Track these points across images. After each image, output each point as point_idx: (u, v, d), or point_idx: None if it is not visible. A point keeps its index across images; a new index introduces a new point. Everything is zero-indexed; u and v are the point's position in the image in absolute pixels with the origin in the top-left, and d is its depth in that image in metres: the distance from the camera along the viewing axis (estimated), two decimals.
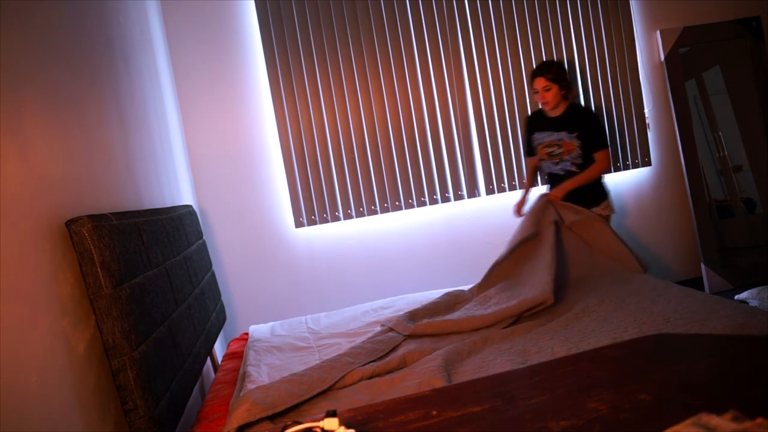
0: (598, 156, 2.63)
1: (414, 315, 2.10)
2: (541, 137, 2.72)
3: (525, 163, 3.06)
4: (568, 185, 2.60)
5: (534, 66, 3.31)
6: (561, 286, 2.18)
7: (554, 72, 2.61)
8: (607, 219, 2.71)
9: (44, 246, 1.18)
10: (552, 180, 2.77)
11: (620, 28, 3.40)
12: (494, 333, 1.80)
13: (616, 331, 1.62)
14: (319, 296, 3.19)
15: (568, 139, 2.64)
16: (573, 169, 2.66)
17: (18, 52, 1.22)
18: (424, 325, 1.98)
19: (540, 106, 2.77)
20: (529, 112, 3.11)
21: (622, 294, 1.96)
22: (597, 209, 2.66)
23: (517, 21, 3.30)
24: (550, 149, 2.69)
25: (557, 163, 2.71)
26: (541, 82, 2.62)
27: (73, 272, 1.28)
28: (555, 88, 2.61)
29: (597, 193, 2.72)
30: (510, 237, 2.55)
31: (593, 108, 3.35)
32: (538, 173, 3.03)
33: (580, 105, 3.08)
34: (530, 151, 2.86)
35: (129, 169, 1.90)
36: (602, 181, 2.75)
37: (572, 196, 2.59)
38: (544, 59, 3.32)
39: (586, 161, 2.65)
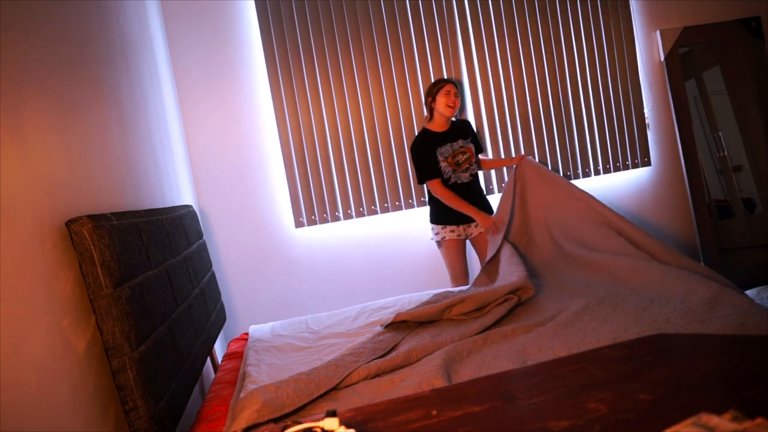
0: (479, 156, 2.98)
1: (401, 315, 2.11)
2: (445, 150, 2.80)
3: (434, 189, 2.79)
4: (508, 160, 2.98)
5: (534, 66, 3.32)
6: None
7: (459, 86, 2.88)
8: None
9: (44, 246, 1.18)
10: (459, 190, 2.81)
11: (620, 28, 3.40)
12: (494, 333, 1.80)
13: (616, 331, 1.62)
14: (319, 296, 3.19)
15: (467, 144, 2.83)
16: (475, 171, 2.88)
17: (18, 52, 1.22)
18: (405, 313, 2.02)
19: (426, 126, 2.87)
20: (412, 140, 3.04)
21: (622, 294, 1.96)
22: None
23: (517, 21, 3.30)
24: (457, 158, 2.80)
25: (466, 170, 2.82)
26: (453, 87, 2.78)
27: (73, 272, 1.28)
28: (459, 99, 2.82)
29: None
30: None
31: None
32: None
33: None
34: (433, 172, 2.79)
35: (129, 169, 1.90)
36: None
37: (484, 208, 2.83)
38: (545, 59, 3.33)
39: (477, 163, 2.93)
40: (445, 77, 3.14)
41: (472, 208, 2.74)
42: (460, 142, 2.81)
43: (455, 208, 2.76)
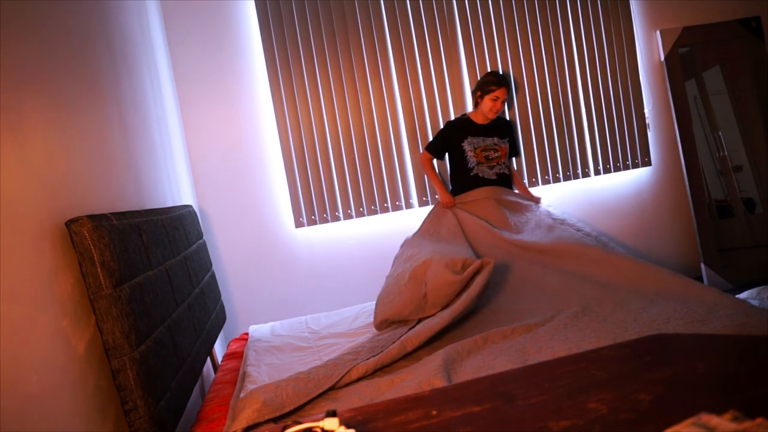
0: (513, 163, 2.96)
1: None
2: (476, 141, 2.81)
3: (421, 159, 2.95)
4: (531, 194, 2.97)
5: (534, 65, 3.32)
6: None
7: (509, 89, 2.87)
8: None
9: (44, 246, 1.18)
10: (476, 183, 2.81)
11: (620, 28, 3.40)
12: (494, 333, 1.80)
13: (616, 331, 1.62)
14: (319, 296, 3.19)
15: (503, 143, 2.83)
16: (506, 172, 2.86)
17: (18, 51, 1.22)
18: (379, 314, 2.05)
19: (465, 114, 2.92)
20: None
21: (622, 294, 1.96)
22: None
23: (517, 21, 3.30)
24: (487, 153, 2.80)
25: (493, 167, 2.82)
26: (504, 93, 2.76)
27: (73, 272, 1.28)
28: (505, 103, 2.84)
29: None
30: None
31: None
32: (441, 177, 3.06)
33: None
34: (440, 152, 2.91)
35: (129, 169, 1.90)
36: None
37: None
38: (545, 59, 3.33)
39: (509, 166, 2.93)
40: (500, 74, 2.88)
41: (439, 183, 2.85)
42: (495, 140, 2.84)
43: (427, 179, 2.97)
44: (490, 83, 2.77)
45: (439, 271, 2.00)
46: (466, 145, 2.81)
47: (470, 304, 1.90)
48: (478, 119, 2.86)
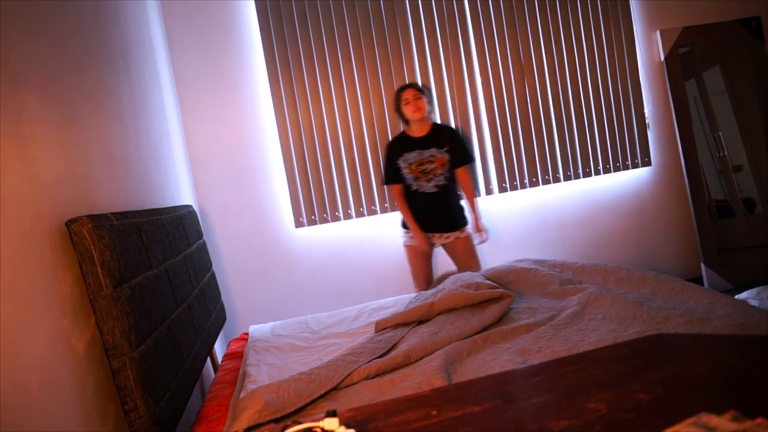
0: (464, 171, 2.81)
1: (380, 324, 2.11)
2: (411, 156, 2.76)
3: (388, 192, 3.00)
4: (477, 213, 2.83)
5: (534, 65, 3.32)
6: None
7: (421, 87, 2.76)
8: (469, 239, 2.86)
9: (44, 246, 1.18)
10: (418, 200, 2.80)
11: (620, 28, 3.40)
12: (494, 333, 1.80)
13: (616, 331, 1.62)
14: (319, 296, 3.19)
15: (440, 154, 2.75)
16: (447, 183, 2.79)
17: (18, 52, 1.22)
18: (383, 321, 2.04)
19: (402, 130, 2.86)
20: (391, 138, 3.05)
21: (622, 290, 1.97)
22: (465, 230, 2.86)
23: (517, 21, 3.30)
24: (423, 166, 2.75)
25: (431, 180, 2.77)
26: (411, 93, 2.72)
27: (73, 272, 1.28)
28: (424, 99, 2.73)
29: (463, 215, 2.91)
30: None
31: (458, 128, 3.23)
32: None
33: (443, 123, 3.09)
34: (394, 177, 2.82)
35: (129, 169, 1.90)
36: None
37: (449, 220, 2.83)
38: (545, 59, 3.33)
39: (452, 175, 2.81)
40: (406, 83, 2.96)
41: (413, 224, 2.80)
42: (433, 151, 2.74)
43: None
44: (397, 92, 2.78)
45: (452, 288, 2.08)
46: (401, 163, 2.77)
47: (480, 330, 1.88)
48: (413, 132, 2.79)
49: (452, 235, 2.83)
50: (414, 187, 2.78)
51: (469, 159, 2.83)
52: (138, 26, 2.41)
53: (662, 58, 3.45)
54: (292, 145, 3.11)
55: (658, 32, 3.44)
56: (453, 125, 3.22)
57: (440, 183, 2.77)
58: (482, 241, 2.84)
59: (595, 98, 3.40)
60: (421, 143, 2.76)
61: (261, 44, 3.09)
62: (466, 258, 2.84)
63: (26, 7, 1.31)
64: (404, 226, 2.91)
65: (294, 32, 3.09)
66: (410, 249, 2.89)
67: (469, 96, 3.27)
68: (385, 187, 3.13)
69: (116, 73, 1.96)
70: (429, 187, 2.77)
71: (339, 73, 3.14)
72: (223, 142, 3.11)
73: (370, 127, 3.17)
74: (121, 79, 2.00)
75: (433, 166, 2.75)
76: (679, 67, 3.43)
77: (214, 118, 3.09)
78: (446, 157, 2.75)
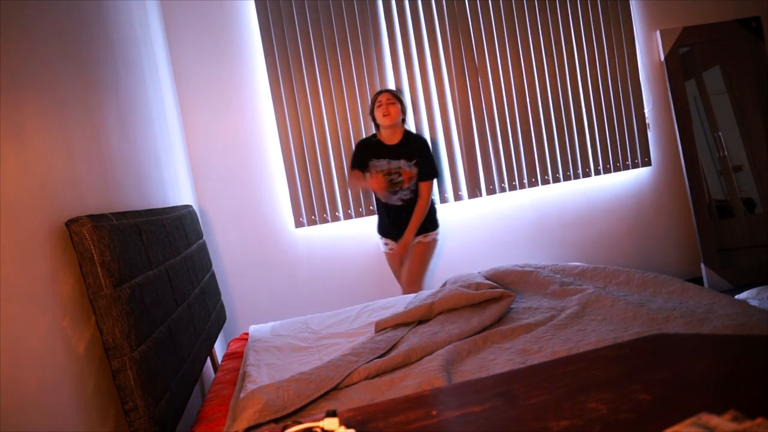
0: (427, 185, 2.77)
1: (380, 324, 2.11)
2: (380, 164, 2.76)
3: (349, 176, 2.99)
4: (412, 228, 2.77)
5: (534, 66, 3.32)
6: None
7: (396, 93, 2.75)
8: (429, 246, 2.86)
9: (44, 246, 1.18)
10: (383, 209, 2.82)
11: (620, 28, 3.40)
12: (494, 333, 1.80)
13: (616, 331, 1.62)
14: (319, 296, 3.19)
15: (408, 167, 2.72)
16: (412, 197, 2.76)
17: (18, 52, 1.22)
18: (383, 321, 2.03)
19: (374, 132, 2.86)
20: (365, 137, 3.06)
21: (622, 293, 1.97)
22: (431, 234, 2.85)
23: (517, 21, 3.30)
24: (391, 177, 2.74)
25: (396, 192, 2.76)
26: (385, 97, 2.71)
27: (73, 272, 1.28)
28: (398, 106, 2.71)
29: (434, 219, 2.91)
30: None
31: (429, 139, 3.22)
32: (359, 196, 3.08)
33: (415, 133, 3.05)
34: (359, 166, 2.83)
35: (129, 169, 1.90)
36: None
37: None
38: (545, 59, 3.33)
39: (418, 188, 2.78)
40: (379, 89, 3.02)
41: (364, 184, 2.79)
42: (402, 162, 2.73)
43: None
44: (374, 95, 2.79)
45: (452, 288, 2.09)
46: (371, 169, 2.78)
47: (480, 330, 1.88)
48: (384, 139, 2.79)
49: (417, 238, 2.85)
50: (378, 195, 2.81)
51: (433, 175, 2.79)
52: (138, 26, 2.41)
53: (662, 58, 3.45)
54: (292, 145, 3.11)
55: (658, 32, 3.44)
56: (425, 136, 3.16)
57: (405, 197, 2.77)
58: (401, 260, 2.86)
59: (595, 98, 3.40)
60: (390, 152, 2.76)
61: (261, 44, 3.09)
62: (414, 261, 2.84)
63: (26, 7, 1.31)
64: (379, 232, 2.97)
65: (294, 32, 3.09)
66: (385, 255, 2.99)
67: (469, 95, 3.27)
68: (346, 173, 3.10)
69: (116, 74, 1.96)
70: (394, 199, 2.78)
71: (339, 72, 3.14)
72: (223, 142, 3.11)
73: (370, 128, 3.17)
74: (121, 80, 2.00)
75: (401, 178, 2.73)
76: (679, 67, 3.43)
77: (214, 118, 3.09)
78: (414, 171, 2.73)
